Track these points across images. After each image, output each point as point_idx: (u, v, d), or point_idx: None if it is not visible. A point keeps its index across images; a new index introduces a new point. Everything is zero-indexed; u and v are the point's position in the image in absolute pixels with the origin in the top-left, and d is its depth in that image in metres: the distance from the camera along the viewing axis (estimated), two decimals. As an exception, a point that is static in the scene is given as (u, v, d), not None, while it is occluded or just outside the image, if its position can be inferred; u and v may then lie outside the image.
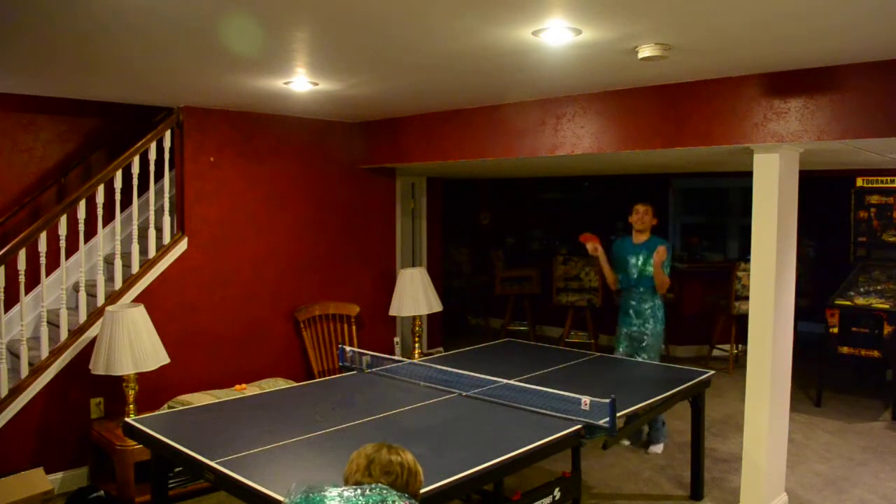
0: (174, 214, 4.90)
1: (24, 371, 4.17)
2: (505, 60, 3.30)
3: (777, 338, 3.72)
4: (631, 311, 4.88)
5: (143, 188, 5.01)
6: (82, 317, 4.43)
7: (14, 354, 4.34)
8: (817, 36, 2.82)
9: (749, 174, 3.74)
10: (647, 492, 4.30)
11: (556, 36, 2.81)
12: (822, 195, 7.31)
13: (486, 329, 8.90)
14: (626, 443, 5.00)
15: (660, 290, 4.79)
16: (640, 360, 4.75)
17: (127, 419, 3.29)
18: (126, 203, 4.80)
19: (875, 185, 6.63)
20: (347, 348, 4.32)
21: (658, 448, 4.91)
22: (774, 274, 3.64)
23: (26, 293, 4.51)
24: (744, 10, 2.47)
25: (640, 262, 4.81)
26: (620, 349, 4.93)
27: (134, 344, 4.01)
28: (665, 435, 4.97)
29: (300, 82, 3.92)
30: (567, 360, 4.57)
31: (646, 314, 4.82)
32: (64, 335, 4.33)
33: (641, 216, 4.90)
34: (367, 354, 4.23)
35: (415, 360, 4.70)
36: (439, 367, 3.97)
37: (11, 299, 4.50)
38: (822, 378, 6.00)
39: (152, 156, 4.71)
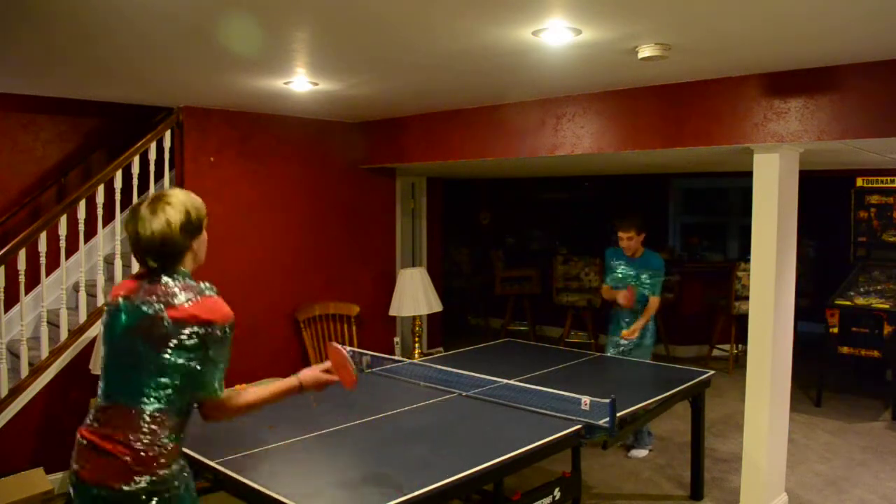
0: (174, 214, 4.89)
1: (24, 371, 4.17)
2: (505, 60, 3.30)
3: (777, 338, 3.72)
4: (622, 324, 4.75)
5: (143, 188, 5.00)
6: (82, 317, 4.43)
7: (14, 354, 4.34)
8: (817, 36, 2.82)
9: (749, 174, 3.73)
10: (647, 492, 4.30)
11: (556, 36, 2.81)
12: (822, 195, 7.30)
13: (486, 329, 8.90)
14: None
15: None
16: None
17: (127, 419, 3.28)
18: (126, 203, 4.79)
19: (875, 185, 6.63)
20: (347, 348, 4.31)
21: (639, 453, 4.81)
22: (774, 274, 3.64)
23: (26, 293, 4.51)
24: (744, 10, 2.47)
25: (632, 279, 4.67)
26: (609, 354, 4.87)
27: (134, 344, 4.01)
28: (650, 443, 4.89)
29: (300, 82, 3.92)
30: (567, 360, 4.57)
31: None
32: (64, 335, 4.33)
33: (626, 244, 4.67)
34: (367, 354, 4.23)
35: (415, 360, 4.69)
36: (439, 367, 3.97)
37: (11, 299, 4.50)
38: (822, 378, 6.00)
39: (152, 156, 4.71)
